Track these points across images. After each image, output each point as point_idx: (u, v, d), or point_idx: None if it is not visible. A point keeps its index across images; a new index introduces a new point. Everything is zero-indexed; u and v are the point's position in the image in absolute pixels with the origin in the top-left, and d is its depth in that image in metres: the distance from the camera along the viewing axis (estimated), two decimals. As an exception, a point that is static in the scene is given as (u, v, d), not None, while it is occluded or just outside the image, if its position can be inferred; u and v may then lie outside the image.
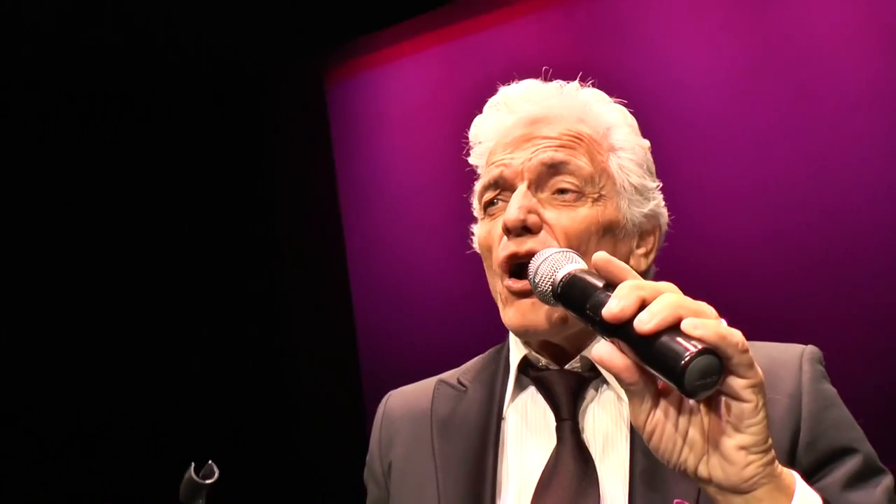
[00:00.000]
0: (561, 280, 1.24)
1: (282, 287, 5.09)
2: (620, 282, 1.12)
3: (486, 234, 1.48)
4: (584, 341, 1.46)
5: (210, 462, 1.98)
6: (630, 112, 1.58)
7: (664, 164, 1.60)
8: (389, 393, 1.69)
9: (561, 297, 1.24)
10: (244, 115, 5.17)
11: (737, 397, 1.07)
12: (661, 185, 1.57)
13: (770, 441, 1.09)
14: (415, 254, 4.82)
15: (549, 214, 1.42)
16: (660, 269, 1.58)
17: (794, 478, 1.15)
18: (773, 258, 4.09)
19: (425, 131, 4.91)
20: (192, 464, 1.96)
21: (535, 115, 1.49)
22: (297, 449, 4.92)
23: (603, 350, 1.09)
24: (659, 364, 1.05)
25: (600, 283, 1.17)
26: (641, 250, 1.52)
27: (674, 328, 1.06)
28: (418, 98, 4.98)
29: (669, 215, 1.59)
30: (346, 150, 5.14)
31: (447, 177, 4.63)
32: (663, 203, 1.56)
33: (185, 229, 4.89)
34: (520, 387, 1.54)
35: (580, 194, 1.44)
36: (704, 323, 1.05)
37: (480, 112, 1.59)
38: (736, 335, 1.06)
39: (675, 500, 1.34)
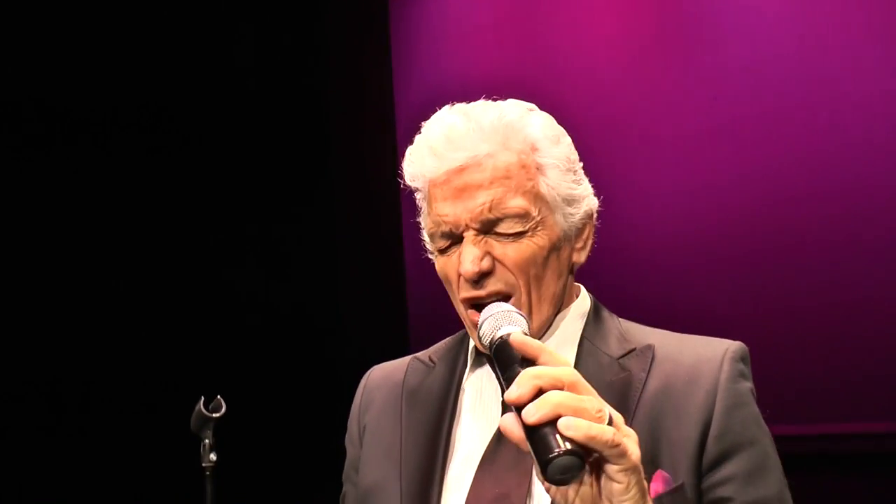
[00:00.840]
0: (494, 343, 1.39)
1: (332, 215, 5.11)
2: (534, 360, 1.28)
3: (442, 267, 1.66)
4: (535, 331, 1.65)
5: (218, 397, 2.19)
6: (546, 112, 1.70)
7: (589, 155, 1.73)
8: (372, 367, 1.91)
9: (493, 358, 1.39)
10: (303, 26, 5.16)
11: (611, 478, 1.24)
12: (581, 164, 1.69)
13: None
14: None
15: (498, 251, 1.60)
16: (591, 265, 1.73)
17: None
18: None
19: (486, 51, 4.98)
20: (202, 398, 2.17)
21: (463, 163, 1.60)
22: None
23: (507, 420, 1.25)
24: (534, 450, 1.21)
25: (519, 357, 1.31)
26: (579, 245, 1.68)
27: (554, 422, 1.21)
28: (481, 17, 5.04)
29: (600, 208, 1.73)
30: (406, 65, 5.22)
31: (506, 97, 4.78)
32: (590, 188, 1.70)
33: (238, 159, 4.91)
34: (478, 364, 1.74)
35: (521, 232, 1.60)
36: (577, 424, 1.16)
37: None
38: (606, 433, 1.19)
39: (658, 472, 1.52)
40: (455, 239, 1.62)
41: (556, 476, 1.20)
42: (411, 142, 1.66)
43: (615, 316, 1.74)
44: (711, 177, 4.27)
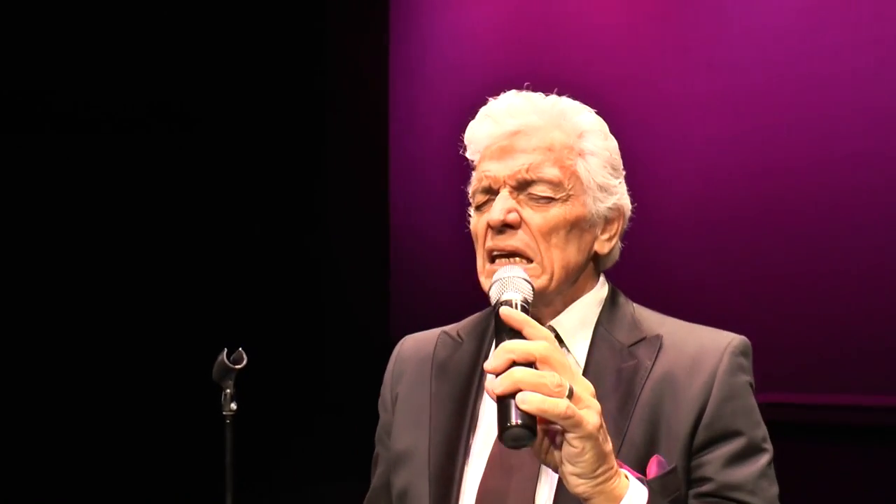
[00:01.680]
0: (495, 304, 1.58)
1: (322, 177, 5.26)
2: (520, 331, 1.47)
3: (475, 225, 1.81)
4: (555, 313, 1.80)
5: (240, 349, 2.30)
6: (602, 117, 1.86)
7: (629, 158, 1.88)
8: (405, 337, 2.04)
9: (493, 319, 1.58)
10: None
11: (569, 444, 1.43)
12: (624, 173, 1.85)
13: (600, 469, 1.45)
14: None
15: (526, 213, 1.75)
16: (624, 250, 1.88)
17: (626, 488, 1.49)
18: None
19: (483, 13, 5.02)
20: (225, 349, 2.29)
21: (515, 129, 1.77)
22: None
23: (489, 384, 1.44)
24: (498, 417, 1.40)
25: (508, 328, 1.49)
26: (605, 235, 1.82)
27: (514, 395, 1.39)
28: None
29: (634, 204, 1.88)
30: (403, 31, 5.24)
31: (500, 60, 4.79)
32: (626, 191, 1.86)
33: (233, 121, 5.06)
34: (500, 342, 1.86)
35: (551, 198, 1.75)
36: (531, 399, 1.38)
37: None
38: (559, 406, 1.39)
39: (655, 456, 1.65)
40: (492, 194, 1.77)
41: (510, 443, 1.40)
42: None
43: (631, 302, 1.86)
44: (710, 143, 4.36)
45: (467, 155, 1.84)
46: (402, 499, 1.83)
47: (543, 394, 1.39)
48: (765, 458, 1.71)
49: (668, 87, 4.48)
